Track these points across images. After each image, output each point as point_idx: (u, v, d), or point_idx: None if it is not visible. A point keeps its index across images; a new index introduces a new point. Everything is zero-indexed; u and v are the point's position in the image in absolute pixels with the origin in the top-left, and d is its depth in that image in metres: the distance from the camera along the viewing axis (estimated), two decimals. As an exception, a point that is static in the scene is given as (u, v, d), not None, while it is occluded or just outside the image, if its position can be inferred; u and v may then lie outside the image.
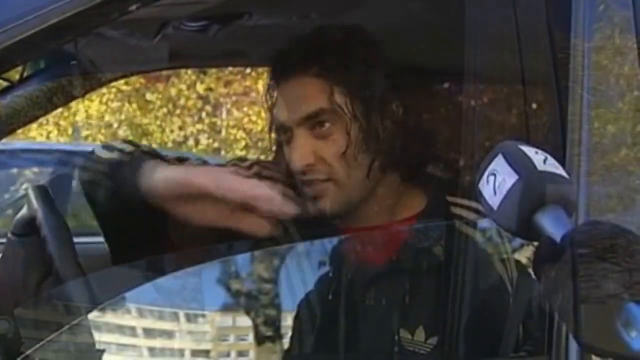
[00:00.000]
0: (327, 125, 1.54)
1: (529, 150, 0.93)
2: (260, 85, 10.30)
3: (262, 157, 1.76)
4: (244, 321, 1.40)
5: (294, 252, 1.47)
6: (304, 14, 1.97)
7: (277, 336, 1.41)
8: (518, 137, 0.99)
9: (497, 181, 0.92)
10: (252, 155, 10.11)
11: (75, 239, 1.57)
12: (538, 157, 0.92)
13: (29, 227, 1.66)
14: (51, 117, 7.82)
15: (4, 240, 1.74)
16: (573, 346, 1.24)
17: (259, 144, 10.59)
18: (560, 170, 0.92)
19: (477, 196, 0.95)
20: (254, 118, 10.48)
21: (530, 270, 1.37)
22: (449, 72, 2.64)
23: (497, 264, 1.43)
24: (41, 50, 1.33)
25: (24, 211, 1.70)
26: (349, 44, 1.58)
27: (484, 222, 1.42)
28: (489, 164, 0.94)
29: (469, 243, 1.46)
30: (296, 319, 1.42)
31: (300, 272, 1.46)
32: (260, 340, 1.40)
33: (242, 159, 1.75)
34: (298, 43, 1.59)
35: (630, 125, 1.30)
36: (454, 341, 1.42)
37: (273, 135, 1.66)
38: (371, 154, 1.55)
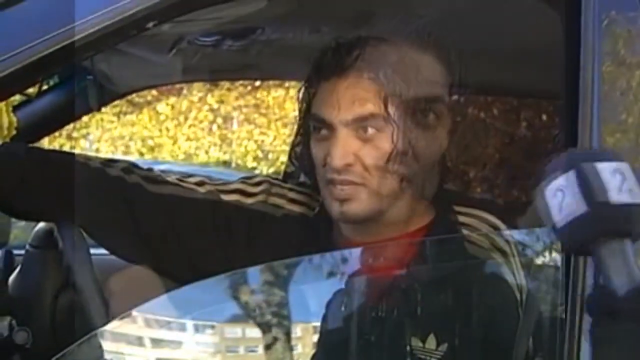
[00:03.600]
0: (371, 130, 1.53)
1: (606, 170, 0.84)
2: (272, 98, 10.35)
3: (272, 171, 1.77)
4: (255, 333, 1.41)
5: (307, 264, 1.47)
6: (316, 28, 2.00)
7: (292, 349, 1.41)
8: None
9: (565, 201, 0.85)
10: (263, 167, 10.14)
11: (92, 251, 1.59)
12: (614, 182, 0.84)
13: (46, 239, 1.69)
14: (63, 129, 7.84)
15: (22, 252, 1.77)
16: (585, 358, 1.24)
17: (270, 155, 10.62)
18: (637, 197, 0.84)
19: (539, 198, 0.88)
20: (264, 130, 10.50)
21: (539, 276, 1.39)
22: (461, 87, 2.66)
23: (507, 272, 1.44)
24: (61, 66, 1.36)
25: (42, 223, 1.73)
26: (410, 57, 1.56)
27: (492, 231, 1.43)
28: (559, 175, 0.86)
29: (479, 252, 1.47)
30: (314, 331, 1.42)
31: (313, 285, 1.46)
32: (271, 352, 1.40)
33: (251, 177, 1.75)
34: (353, 44, 1.57)
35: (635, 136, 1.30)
36: (463, 349, 1.44)
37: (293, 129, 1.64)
38: (405, 168, 1.54)
